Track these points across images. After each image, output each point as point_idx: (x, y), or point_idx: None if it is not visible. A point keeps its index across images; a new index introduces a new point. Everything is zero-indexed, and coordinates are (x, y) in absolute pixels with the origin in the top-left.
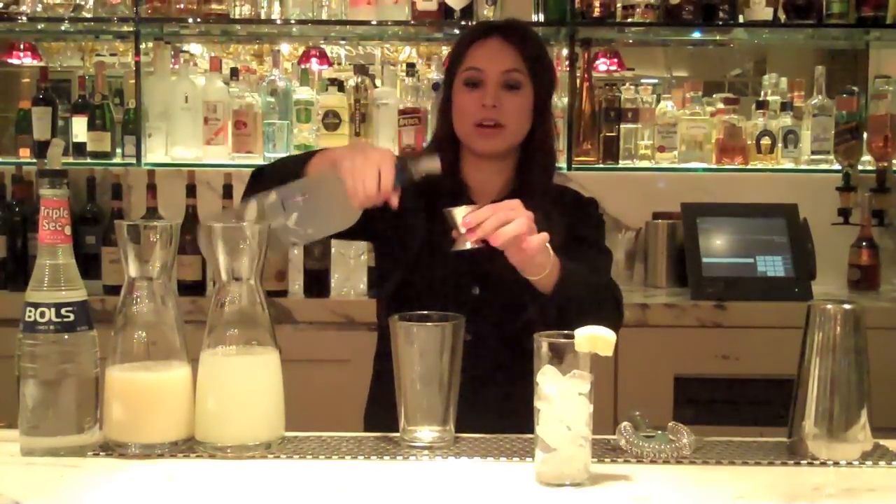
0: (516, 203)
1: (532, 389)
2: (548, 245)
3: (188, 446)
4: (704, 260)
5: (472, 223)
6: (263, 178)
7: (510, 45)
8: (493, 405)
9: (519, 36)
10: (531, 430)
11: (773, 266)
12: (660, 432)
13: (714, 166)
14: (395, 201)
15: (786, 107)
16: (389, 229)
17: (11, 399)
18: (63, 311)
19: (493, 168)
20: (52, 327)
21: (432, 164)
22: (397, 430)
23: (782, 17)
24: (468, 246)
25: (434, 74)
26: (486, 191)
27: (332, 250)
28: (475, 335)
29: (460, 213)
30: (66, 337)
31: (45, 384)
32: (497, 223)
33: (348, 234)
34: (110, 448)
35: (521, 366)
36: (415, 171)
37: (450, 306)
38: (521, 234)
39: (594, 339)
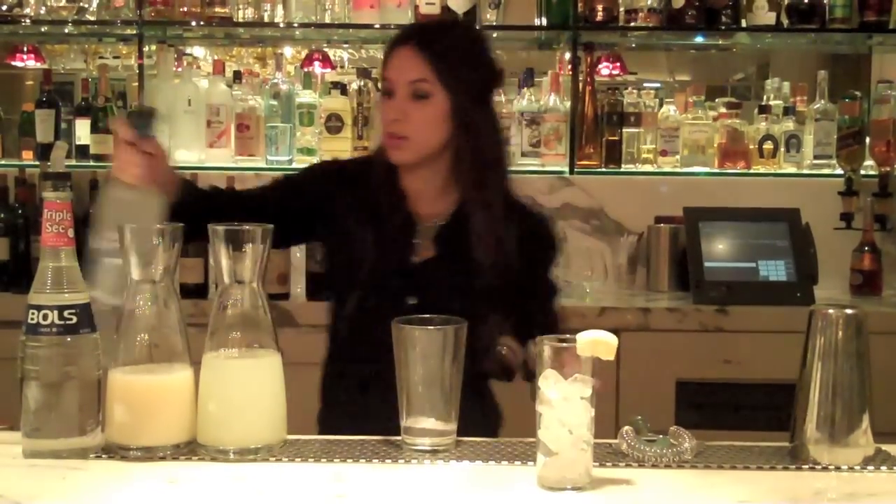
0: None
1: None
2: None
3: (190, 449)
4: (706, 264)
5: None
6: None
7: (419, 53)
8: None
9: (431, 41)
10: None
11: (775, 270)
12: (661, 436)
13: (716, 170)
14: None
15: (788, 111)
16: (329, 232)
17: (14, 401)
18: (66, 313)
19: (425, 174)
20: (54, 329)
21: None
22: (348, 431)
23: (785, 21)
24: None
25: None
26: (424, 196)
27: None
28: None
29: None
30: (69, 339)
31: (48, 386)
32: None
33: (289, 240)
34: (112, 450)
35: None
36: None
37: (388, 316)
38: None
39: (596, 343)
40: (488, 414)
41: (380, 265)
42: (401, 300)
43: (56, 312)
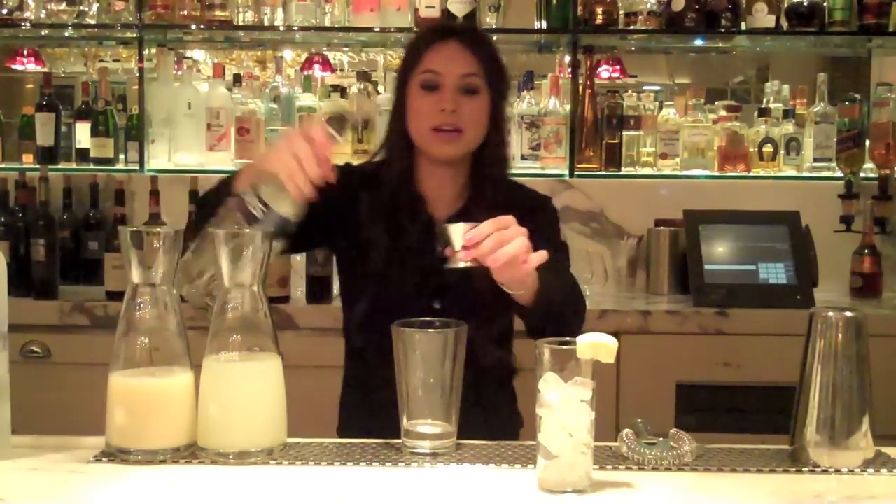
0: (511, 220)
1: (492, 396)
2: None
3: (190, 452)
4: (706, 267)
5: (472, 242)
6: (209, 207)
7: (468, 50)
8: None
9: (477, 41)
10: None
11: (775, 273)
12: (661, 439)
13: (716, 173)
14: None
15: (788, 114)
16: (348, 240)
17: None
18: None
19: (448, 174)
20: None
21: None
22: (373, 434)
23: (785, 24)
24: (461, 265)
25: None
26: (442, 198)
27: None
28: None
29: (458, 231)
30: None
31: None
32: (495, 244)
33: (304, 245)
34: (112, 454)
35: (482, 376)
36: (336, 133)
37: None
38: (519, 254)
39: (596, 346)
40: (513, 416)
41: (408, 269)
42: (426, 305)
43: None
